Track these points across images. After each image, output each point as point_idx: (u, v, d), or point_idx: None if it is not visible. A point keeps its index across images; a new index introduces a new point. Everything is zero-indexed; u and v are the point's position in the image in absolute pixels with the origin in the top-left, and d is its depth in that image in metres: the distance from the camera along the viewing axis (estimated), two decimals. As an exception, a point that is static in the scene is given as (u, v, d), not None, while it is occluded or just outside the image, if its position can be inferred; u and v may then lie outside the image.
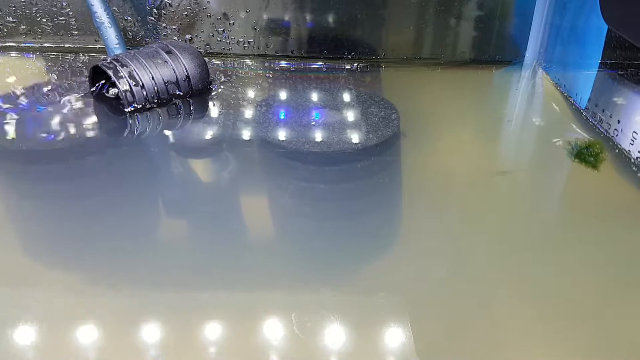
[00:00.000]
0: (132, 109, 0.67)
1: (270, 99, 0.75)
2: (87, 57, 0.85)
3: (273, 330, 0.38)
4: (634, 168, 0.59)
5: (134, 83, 0.66)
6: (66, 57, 0.84)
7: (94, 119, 0.67)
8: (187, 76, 0.70)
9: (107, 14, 0.72)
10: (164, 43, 0.72)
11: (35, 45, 0.85)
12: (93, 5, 0.72)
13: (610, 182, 0.58)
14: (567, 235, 0.50)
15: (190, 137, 0.64)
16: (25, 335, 0.37)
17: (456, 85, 0.83)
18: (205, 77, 0.73)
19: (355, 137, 0.64)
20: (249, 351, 0.37)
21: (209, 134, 0.65)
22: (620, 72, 0.67)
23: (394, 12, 0.85)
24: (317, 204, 0.53)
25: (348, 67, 0.86)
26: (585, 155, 0.62)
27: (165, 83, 0.69)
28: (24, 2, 0.81)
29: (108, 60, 0.68)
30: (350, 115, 0.69)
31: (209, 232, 0.49)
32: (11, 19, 0.83)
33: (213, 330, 0.38)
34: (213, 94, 0.75)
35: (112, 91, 0.68)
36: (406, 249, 0.47)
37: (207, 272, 0.44)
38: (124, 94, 0.66)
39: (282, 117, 0.69)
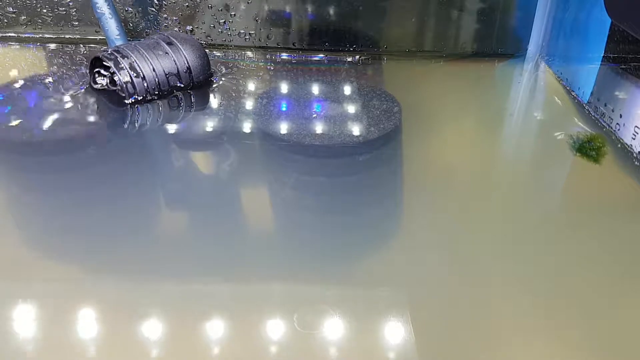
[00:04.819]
0: (133, 100, 0.67)
1: (271, 91, 0.74)
2: (87, 48, 0.84)
3: (273, 323, 0.38)
4: (636, 162, 0.59)
5: (135, 74, 0.66)
6: (66, 48, 0.84)
7: (94, 110, 0.67)
8: (188, 68, 0.70)
9: (107, 5, 0.72)
10: (165, 34, 0.71)
11: (35, 35, 0.85)
12: (94, -5, 0.72)
13: (611, 176, 0.58)
14: (568, 229, 0.50)
15: (191, 129, 0.64)
16: (24, 326, 0.37)
17: (458, 78, 0.83)
18: (207, 68, 0.73)
19: (356, 130, 0.63)
20: (249, 344, 0.37)
21: (209, 126, 0.65)
22: (623, 66, 0.66)
23: (396, 4, 0.84)
24: (318, 197, 0.53)
25: (349, 59, 0.85)
26: (587, 149, 0.62)
27: (166, 74, 0.68)
28: (24, -8, 0.81)
29: (109, 52, 0.67)
30: (352, 108, 0.69)
31: (209, 224, 0.49)
32: (11, 9, 0.82)
33: (213, 323, 0.38)
34: (214, 85, 0.75)
35: (100, 83, 0.68)
36: (407, 242, 0.47)
37: (207, 265, 0.44)
38: (124, 85, 0.66)
39: (283, 109, 0.69)
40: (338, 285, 0.42)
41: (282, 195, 0.54)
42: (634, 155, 0.60)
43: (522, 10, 0.86)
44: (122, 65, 0.66)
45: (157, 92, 0.68)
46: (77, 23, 0.84)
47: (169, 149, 0.61)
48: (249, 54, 0.86)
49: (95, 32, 0.84)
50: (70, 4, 0.82)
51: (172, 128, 0.64)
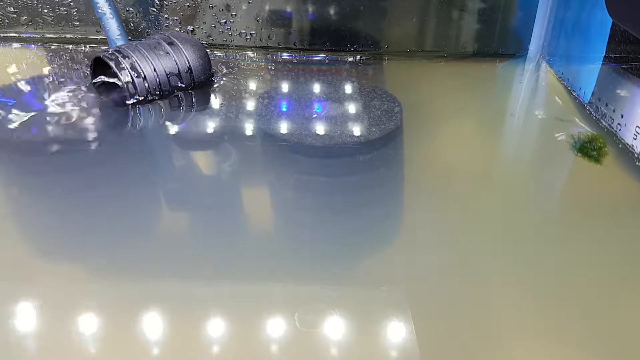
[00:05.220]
0: (134, 100, 0.67)
1: (272, 91, 0.74)
2: (88, 48, 0.84)
3: (273, 322, 0.38)
4: (637, 163, 0.59)
5: (136, 75, 0.66)
6: (67, 48, 0.84)
7: (95, 110, 0.67)
8: (189, 68, 0.70)
9: (108, 5, 0.72)
10: (166, 34, 0.71)
11: (36, 35, 0.85)
12: (95, -5, 0.72)
13: (613, 176, 0.58)
14: (568, 229, 0.50)
15: (192, 130, 0.64)
16: (24, 327, 0.37)
17: (459, 78, 0.83)
18: (207, 68, 0.73)
19: (357, 130, 0.63)
20: (250, 343, 0.37)
21: (210, 126, 0.65)
22: (624, 66, 0.66)
23: (397, 4, 0.84)
24: (319, 197, 0.53)
25: (350, 59, 0.85)
26: (588, 149, 0.62)
27: (167, 75, 0.68)
28: (26, -8, 0.81)
29: (110, 52, 0.67)
30: (353, 108, 0.69)
31: (209, 224, 0.49)
32: (12, 10, 0.83)
33: (214, 322, 0.38)
34: (215, 86, 0.75)
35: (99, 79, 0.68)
36: (408, 242, 0.47)
37: (208, 264, 0.44)
38: (125, 85, 0.66)
39: (284, 109, 0.69)
40: (338, 285, 0.42)
41: (282, 195, 0.54)
42: (635, 155, 0.59)
43: (523, 10, 0.86)
44: (123, 65, 0.66)
45: (158, 92, 0.69)
46: (78, 23, 0.84)
47: (170, 149, 0.61)
48: (250, 54, 0.86)
49: (96, 32, 0.84)
50: (71, 4, 0.82)
51: (173, 128, 0.64)
